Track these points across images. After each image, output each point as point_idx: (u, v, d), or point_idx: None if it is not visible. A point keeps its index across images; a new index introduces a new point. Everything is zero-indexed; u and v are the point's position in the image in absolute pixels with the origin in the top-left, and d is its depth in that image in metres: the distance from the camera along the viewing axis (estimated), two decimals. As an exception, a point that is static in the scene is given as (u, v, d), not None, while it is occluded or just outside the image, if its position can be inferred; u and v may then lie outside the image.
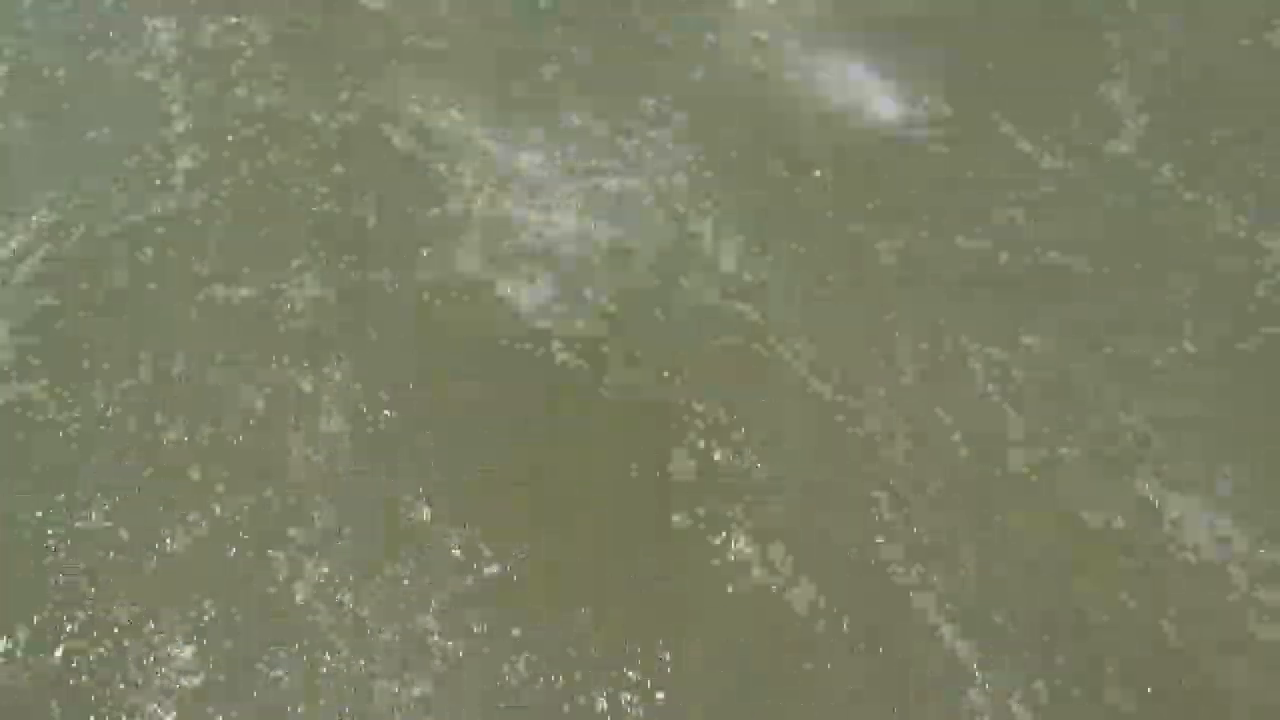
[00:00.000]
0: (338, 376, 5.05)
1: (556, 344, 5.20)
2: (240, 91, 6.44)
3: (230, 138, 6.18)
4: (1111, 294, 5.56)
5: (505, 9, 7.11)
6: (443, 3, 7.12)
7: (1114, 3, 7.37)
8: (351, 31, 6.89)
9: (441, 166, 6.06)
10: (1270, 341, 5.36)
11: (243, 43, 6.76)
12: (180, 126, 6.19)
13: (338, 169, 6.03)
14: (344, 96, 6.45)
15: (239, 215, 5.76)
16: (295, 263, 5.52)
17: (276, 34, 6.81)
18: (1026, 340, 5.33)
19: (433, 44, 6.80)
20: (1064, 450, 4.90)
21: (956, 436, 4.93)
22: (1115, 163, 6.25)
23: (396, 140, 6.20)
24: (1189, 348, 5.30)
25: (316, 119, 6.29)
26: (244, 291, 5.39)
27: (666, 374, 5.12)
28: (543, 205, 5.89)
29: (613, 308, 5.39)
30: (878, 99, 6.65)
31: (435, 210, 5.82)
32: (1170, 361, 5.26)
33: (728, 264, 5.66)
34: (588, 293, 5.42)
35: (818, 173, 6.18)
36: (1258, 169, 6.22)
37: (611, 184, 6.01)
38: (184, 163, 6.01)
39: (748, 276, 5.60)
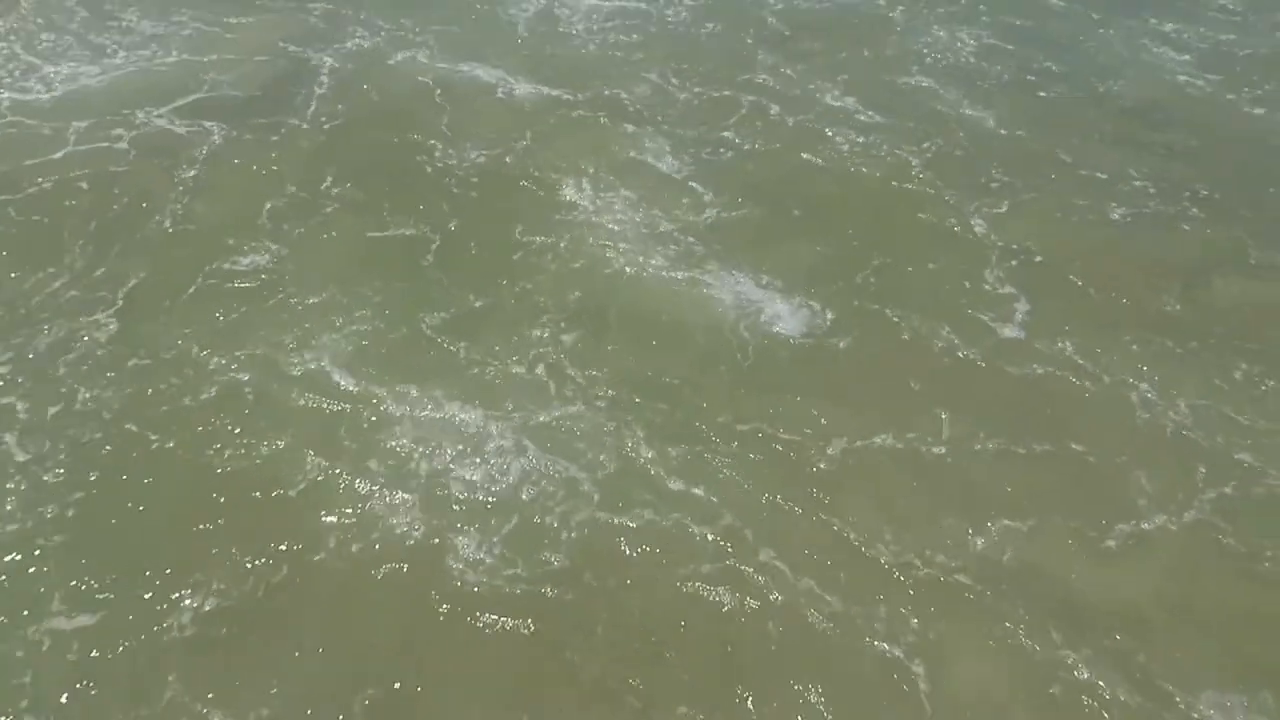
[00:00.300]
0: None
1: (513, 617, 4.70)
2: (84, 399, 5.76)
3: (77, 445, 5.45)
4: (1051, 473, 5.74)
5: (387, 263, 6.90)
6: (317, 259, 6.85)
7: (977, 189, 8.08)
8: (217, 296, 6.50)
9: (355, 430, 5.60)
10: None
11: (84, 336, 6.17)
12: (20, 450, 5.43)
13: (239, 441, 5.46)
14: (214, 363, 5.94)
15: (96, 531, 4.99)
16: (182, 572, 4.79)
17: (123, 325, 6.26)
18: (979, 542, 5.31)
19: (315, 299, 6.47)
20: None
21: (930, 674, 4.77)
22: (1012, 345, 6.60)
23: (300, 402, 5.73)
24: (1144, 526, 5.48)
25: (197, 397, 5.73)
26: (114, 619, 4.58)
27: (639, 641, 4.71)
28: (476, 455, 5.52)
29: (570, 557, 4.98)
30: (766, 306, 6.78)
31: (362, 479, 5.32)
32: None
33: (675, 483, 5.45)
34: (545, 551, 5.00)
35: (728, 383, 6.16)
36: (1146, 346, 6.70)
37: (540, 420, 5.75)
38: (19, 481, 5.24)
39: (698, 492, 5.40)
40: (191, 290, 6.50)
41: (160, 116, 8.16)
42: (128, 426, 5.50)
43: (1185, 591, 5.11)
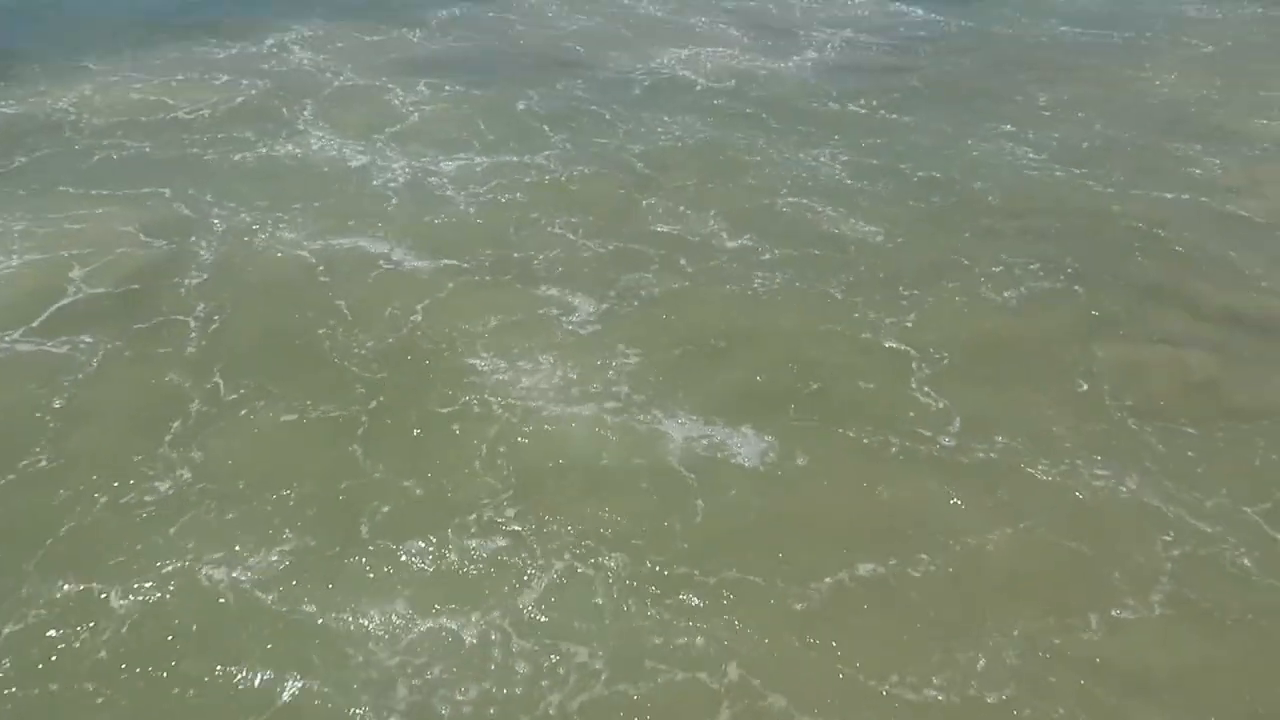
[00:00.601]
0: None
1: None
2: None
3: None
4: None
5: (312, 460, 6.55)
6: (231, 470, 6.41)
7: (885, 304, 8.46)
8: (109, 530, 5.95)
9: (309, 658, 5.18)
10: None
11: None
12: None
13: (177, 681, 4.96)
14: (121, 603, 5.43)
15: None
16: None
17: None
18: (986, 651, 5.36)
19: (234, 514, 6.05)
20: None
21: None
22: (953, 450, 6.83)
23: (239, 632, 5.27)
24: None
25: (114, 647, 5.20)
26: None
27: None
28: (461, 659, 5.19)
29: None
30: (710, 441, 6.79)
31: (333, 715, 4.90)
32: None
33: (673, 640, 5.31)
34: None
35: (692, 527, 6.12)
36: (1074, 432, 7.04)
37: (517, 603, 5.51)
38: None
39: (700, 641, 5.29)
40: (66, 530, 5.94)
41: (17, 336, 7.65)
42: (35, 691, 4.91)
43: (1188, 662, 5.32)
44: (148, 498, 6.18)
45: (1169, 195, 10.73)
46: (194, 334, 7.77)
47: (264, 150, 11.48)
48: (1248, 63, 16.22)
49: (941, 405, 7.23)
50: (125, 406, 6.98)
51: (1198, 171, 11.39)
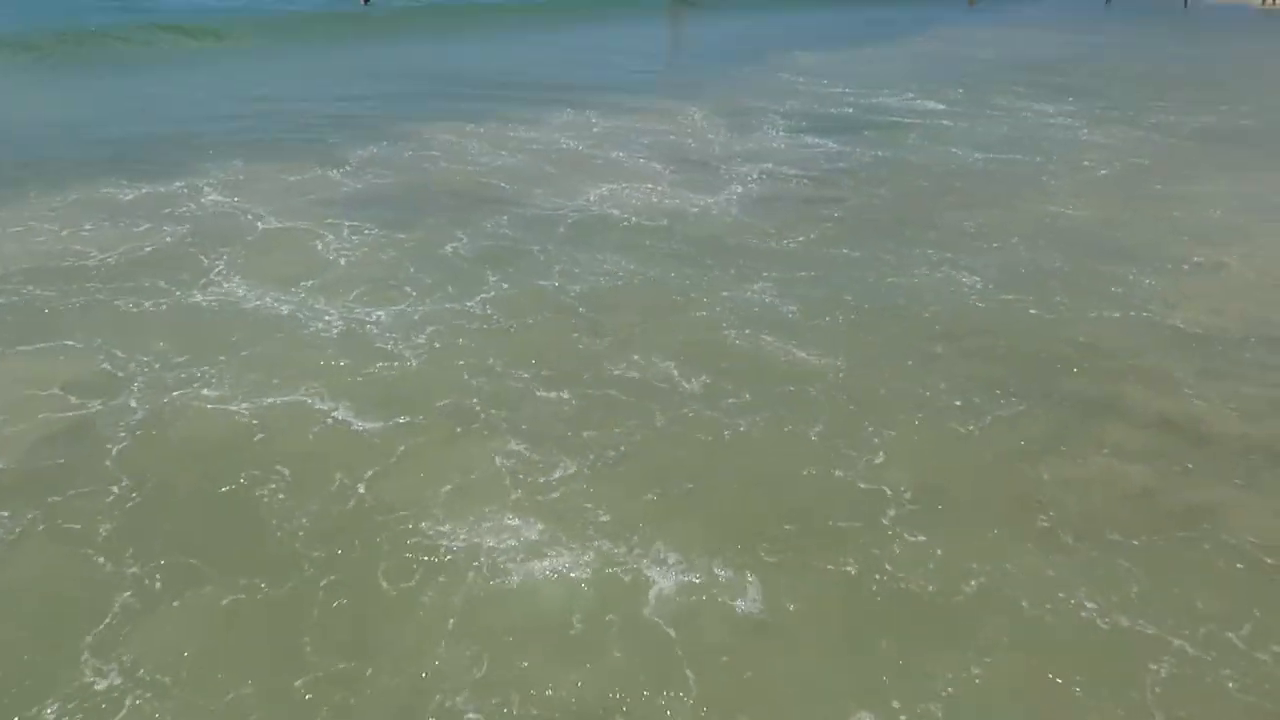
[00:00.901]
0: None
1: None
2: None
3: None
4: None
5: (254, 652, 5.89)
6: (162, 665, 5.71)
7: (850, 439, 8.28)
8: None
9: None
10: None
11: None
12: None
13: None
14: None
15: None
16: None
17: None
18: None
19: (163, 713, 5.36)
20: None
21: None
22: (936, 590, 6.60)
23: None
24: None
25: None
26: None
27: None
28: None
29: None
30: (687, 589, 6.43)
31: None
32: None
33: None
34: None
35: (680, 691, 5.67)
36: (1045, 560, 6.94)
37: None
38: None
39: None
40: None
41: (-90, 520, 6.85)
42: None
43: None
44: (56, 707, 5.44)
45: (1116, 314, 11.09)
46: (114, 508, 7.05)
47: (181, 299, 10.94)
48: (1141, 185, 17.28)
49: (920, 538, 7.05)
50: (37, 599, 6.23)
51: (1121, 290, 11.83)
